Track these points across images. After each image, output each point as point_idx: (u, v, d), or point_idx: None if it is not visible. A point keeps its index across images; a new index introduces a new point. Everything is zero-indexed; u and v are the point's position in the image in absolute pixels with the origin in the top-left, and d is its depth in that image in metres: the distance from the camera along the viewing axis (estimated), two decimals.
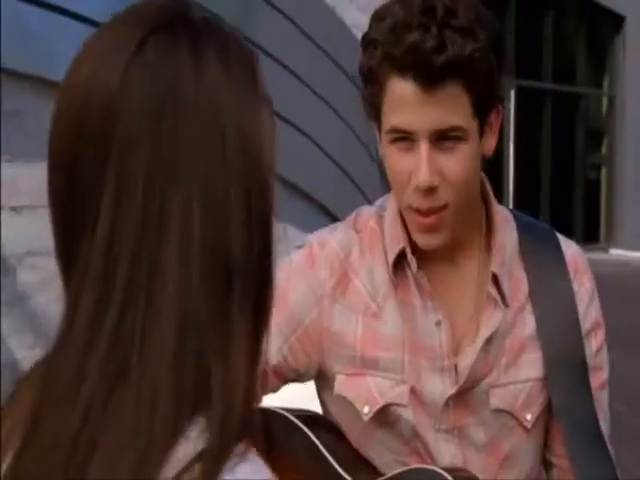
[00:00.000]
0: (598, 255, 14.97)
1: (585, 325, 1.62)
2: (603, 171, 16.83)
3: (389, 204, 1.62)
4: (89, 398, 0.80)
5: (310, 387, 1.70)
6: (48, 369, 0.84)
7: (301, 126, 8.42)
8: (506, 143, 14.81)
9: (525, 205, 14.84)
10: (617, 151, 16.53)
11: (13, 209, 4.78)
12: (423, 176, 1.48)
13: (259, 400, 1.65)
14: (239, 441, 0.81)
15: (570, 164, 16.04)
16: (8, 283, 4.76)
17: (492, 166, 15.81)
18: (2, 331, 4.55)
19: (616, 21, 16.46)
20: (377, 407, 1.58)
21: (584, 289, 1.64)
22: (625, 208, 16.23)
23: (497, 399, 1.59)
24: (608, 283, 12.33)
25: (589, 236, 16.18)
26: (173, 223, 0.81)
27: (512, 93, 14.86)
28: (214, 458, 0.79)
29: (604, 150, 16.92)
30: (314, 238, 1.64)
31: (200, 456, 0.79)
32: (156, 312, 0.80)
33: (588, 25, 16.21)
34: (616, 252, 15.78)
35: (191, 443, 0.79)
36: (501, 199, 14.50)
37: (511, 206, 14.67)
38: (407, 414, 1.58)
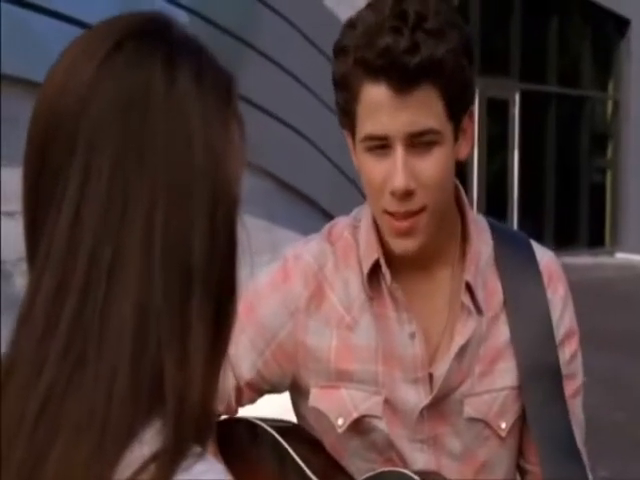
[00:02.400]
0: (603, 259, 14.96)
1: (559, 333, 1.61)
2: (608, 175, 16.82)
3: (364, 214, 1.61)
4: (49, 384, 0.81)
5: (286, 397, 1.69)
6: (9, 352, 0.84)
7: (305, 132, 8.42)
8: (510, 146, 14.81)
9: (530, 209, 14.83)
10: (622, 155, 16.52)
11: (7, 214, 4.77)
12: (399, 181, 1.47)
13: (234, 412, 1.65)
14: (197, 443, 0.82)
15: (575, 168, 16.04)
16: (4, 288, 4.76)
17: (496, 170, 15.80)
18: None
19: (621, 24, 16.46)
20: (351, 419, 1.57)
21: (558, 296, 1.62)
22: (630, 212, 16.21)
23: (471, 408, 1.58)
24: (613, 287, 12.32)
25: (594, 240, 16.17)
26: (136, 215, 0.83)
27: (517, 96, 14.86)
28: (169, 458, 0.80)
29: (609, 154, 16.91)
30: (289, 252, 1.63)
31: (155, 457, 0.79)
32: (115, 301, 0.81)
33: (593, 28, 16.21)
34: (621, 256, 15.76)
35: (146, 445, 0.80)
36: (505, 203, 14.49)
37: (516, 210, 14.66)
38: (381, 425, 1.57)
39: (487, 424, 1.58)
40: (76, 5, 5.51)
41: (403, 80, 1.44)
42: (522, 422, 1.60)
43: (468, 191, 13.06)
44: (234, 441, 1.58)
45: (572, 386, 1.62)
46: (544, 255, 1.65)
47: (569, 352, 1.62)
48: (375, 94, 1.47)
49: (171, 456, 0.79)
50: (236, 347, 1.58)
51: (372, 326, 1.57)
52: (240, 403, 1.64)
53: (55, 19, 5.39)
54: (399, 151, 1.47)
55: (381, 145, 1.49)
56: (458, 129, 1.52)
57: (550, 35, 15.41)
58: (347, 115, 1.53)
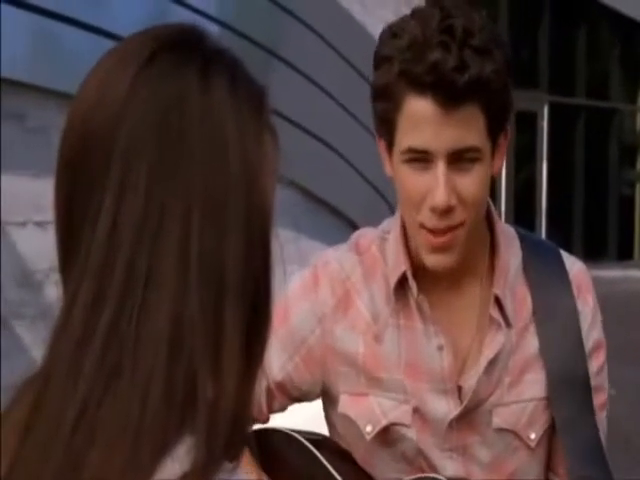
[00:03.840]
0: (632, 272, 14.85)
1: (588, 345, 1.60)
2: (637, 187, 16.72)
3: (393, 227, 1.61)
4: (86, 392, 0.81)
5: (313, 407, 1.69)
6: (46, 360, 0.85)
7: (332, 143, 8.42)
8: (539, 159, 14.76)
9: (558, 222, 14.76)
10: None
11: (38, 224, 4.80)
12: (441, 197, 1.47)
13: (266, 419, 1.65)
14: (230, 457, 0.81)
15: (604, 180, 15.96)
16: (34, 297, 4.79)
17: (525, 182, 15.68)
18: (26, 343, 4.58)
19: None
20: (380, 427, 1.58)
21: (588, 308, 1.62)
22: None
23: (500, 419, 1.58)
24: None
25: (623, 253, 16.07)
26: (172, 226, 0.83)
27: (545, 109, 14.82)
28: (200, 476, 0.79)
29: (638, 166, 16.81)
30: (318, 259, 1.64)
31: (185, 477, 0.79)
32: (151, 311, 0.81)
33: (622, 40, 16.15)
34: None
35: (177, 463, 0.79)
36: (534, 215, 14.44)
37: (544, 223, 14.60)
38: (411, 434, 1.58)
39: (516, 435, 1.58)
40: (105, 17, 5.55)
41: (450, 97, 1.44)
42: (551, 433, 1.60)
43: (496, 203, 13.01)
44: (269, 451, 1.59)
45: (599, 399, 1.61)
46: (573, 265, 1.65)
47: (597, 364, 1.62)
48: (420, 108, 1.47)
49: (201, 475, 0.79)
50: (268, 351, 1.59)
51: (398, 339, 1.58)
52: (271, 408, 1.64)
53: (83, 30, 5.42)
54: (441, 167, 1.47)
55: (422, 159, 1.48)
56: (495, 146, 1.53)
57: (579, 47, 15.36)
58: (386, 125, 1.52)
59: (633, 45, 16.34)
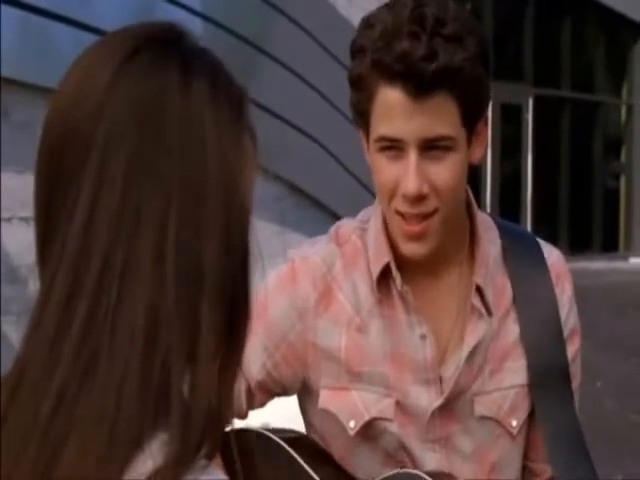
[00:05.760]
0: (617, 264, 14.91)
1: (564, 331, 1.62)
2: (622, 180, 16.77)
3: (373, 217, 1.61)
4: (61, 385, 0.81)
5: (292, 405, 1.68)
6: (22, 353, 0.85)
7: (318, 137, 8.43)
8: (524, 152, 14.78)
9: (543, 214, 14.79)
10: (636, 159, 16.46)
11: (24, 220, 4.80)
12: (412, 185, 1.48)
13: (245, 416, 1.64)
14: (205, 455, 0.81)
15: (589, 173, 15.99)
16: (19, 293, 4.78)
17: (510, 175, 15.68)
18: (12, 339, 4.57)
19: (635, 29, 16.42)
20: (363, 421, 1.57)
21: (566, 296, 1.64)
22: None
23: (482, 407, 1.58)
24: (627, 292, 12.26)
25: (608, 245, 16.12)
26: (149, 221, 0.83)
27: (530, 102, 14.84)
28: (170, 474, 0.79)
29: (623, 158, 16.86)
30: (296, 253, 1.63)
31: (158, 472, 0.79)
32: (126, 305, 0.82)
33: (607, 33, 16.18)
34: (635, 261, 15.70)
35: (150, 459, 0.80)
36: (519, 208, 14.46)
37: (529, 215, 14.63)
38: (393, 428, 1.58)
39: (498, 422, 1.59)
40: (92, 14, 5.55)
41: (419, 86, 1.45)
42: (530, 420, 1.61)
43: (481, 196, 13.04)
44: (243, 451, 1.56)
45: (573, 384, 1.62)
46: (551, 253, 1.66)
47: (572, 351, 1.63)
48: (390, 97, 1.47)
49: (173, 471, 0.79)
50: (247, 349, 1.58)
51: (382, 329, 1.58)
52: (251, 406, 1.64)
53: (70, 26, 5.42)
54: (412, 155, 1.48)
55: (394, 147, 1.49)
56: (472, 134, 1.53)
57: (564, 40, 15.38)
58: (361, 115, 1.54)
59: (618, 38, 16.37)
